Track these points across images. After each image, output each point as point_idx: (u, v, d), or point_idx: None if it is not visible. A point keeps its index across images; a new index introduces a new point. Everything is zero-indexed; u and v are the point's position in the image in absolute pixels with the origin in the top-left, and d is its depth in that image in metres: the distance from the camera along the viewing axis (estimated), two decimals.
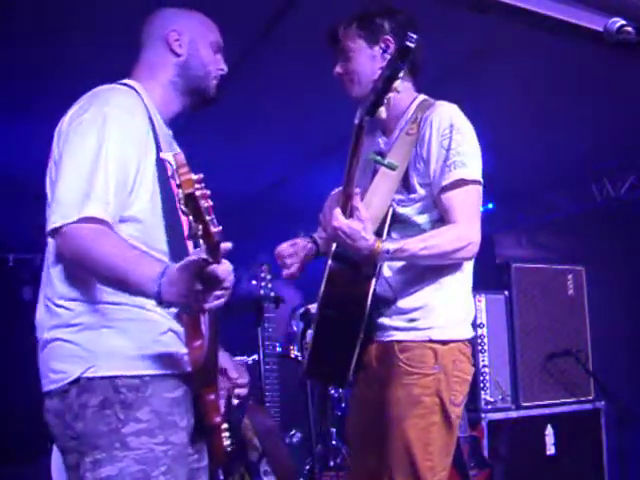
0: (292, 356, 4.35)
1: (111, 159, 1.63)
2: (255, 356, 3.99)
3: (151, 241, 1.70)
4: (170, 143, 1.87)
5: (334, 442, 4.41)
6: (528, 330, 4.56)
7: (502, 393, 4.38)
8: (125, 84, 1.82)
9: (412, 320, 2.14)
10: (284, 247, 2.41)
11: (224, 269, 1.45)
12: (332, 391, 4.57)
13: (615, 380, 4.80)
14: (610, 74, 3.62)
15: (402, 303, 2.16)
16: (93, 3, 2.89)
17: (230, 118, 3.88)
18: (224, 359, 1.91)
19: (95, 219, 1.57)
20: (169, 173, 1.36)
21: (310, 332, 2.36)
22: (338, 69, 2.25)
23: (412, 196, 2.14)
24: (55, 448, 2.54)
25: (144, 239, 1.69)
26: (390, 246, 2.00)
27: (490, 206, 6.04)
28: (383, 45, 2.19)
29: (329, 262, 2.10)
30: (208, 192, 1.34)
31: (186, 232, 1.77)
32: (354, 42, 2.21)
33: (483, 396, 4.28)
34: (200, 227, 1.34)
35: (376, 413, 2.14)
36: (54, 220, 1.59)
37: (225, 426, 1.77)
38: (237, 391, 1.94)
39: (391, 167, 2.01)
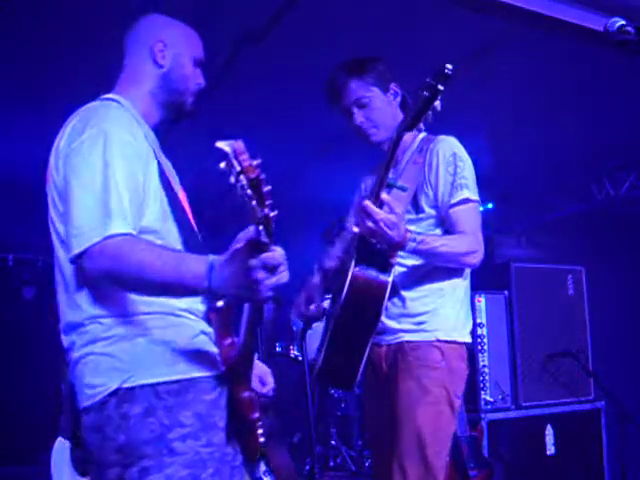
0: (292, 356, 4.36)
1: (119, 175, 1.61)
2: (255, 356, 3.99)
3: (166, 243, 1.70)
4: (161, 152, 1.86)
5: (334, 442, 4.42)
6: (528, 330, 4.56)
7: (502, 393, 4.38)
8: (111, 99, 1.80)
9: (420, 323, 2.35)
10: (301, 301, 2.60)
11: (280, 254, 1.43)
12: (332, 391, 4.58)
13: (615, 380, 4.80)
14: (610, 74, 3.62)
15: (409, 308, 2.36)
16: (93, 5, 2.89)
17: (230, 117, 3.88)
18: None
19: (120, 235, 1.55)
20: (222, 164, 1.35)
21: (310, 333, 2.42)
22: (359, 119, 2.40)
23: (420, 215, 2.38)
24: (55, 448, 2.53)
25: (160, 243, 1.68)
26: (417, 236, 2.21)
27: (490, 206, 6.03)
28: (392, 91, 2.44)
29: (352, 267, 2.21)
30: (265, 177, 1.35)
31: (198, 235, 1.79)
32: (369, 91, 2.40)
33: (483, 396, 4.28)
34: (264, 212, 1.35)
35: (390, 411, 2.31)
36: (78, 245, 1.55)
37: (261, 422, 1.77)
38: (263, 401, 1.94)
39: (402, 189, 2.29)
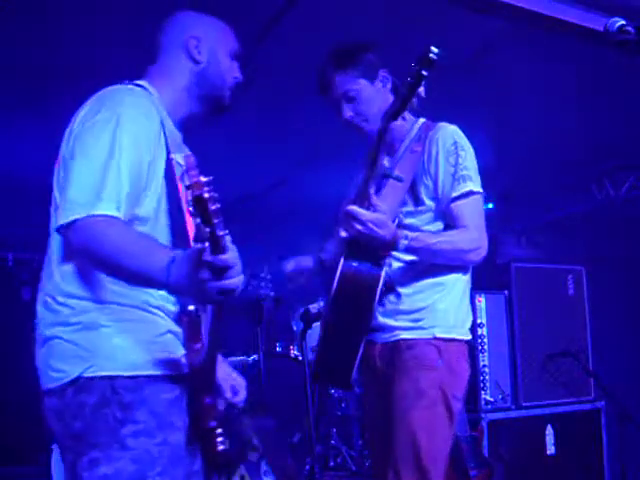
0: (292, 356, 4.36)
1: (124, 159, 1.62)
2: (255, 356, 4.00)
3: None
4: (179, 146, 1.86)
5: (334, 442, 4.42)
6: (528, 330, 4.56)
7: (502, 393, 4.38)
8: (138, 84, 1.81)
9: (417, 320, 2.27)
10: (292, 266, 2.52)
11: (230, 255, 1.40)
12: (332, 391, 4.57)
13: (615, 380, 4.80)
14: (610, 74, 3.62)
15: (406, 305, 2.28)
16: (94, 5, 2.89)
17: (230, 117, 3.88)
18: (222, 372, 1.86)
19: (106, 216, 1.57)
20: (177, 174, 1.36)
21: (309, 333, 2.42)
22: (348, 113, 2.34)
23: (420, 208, 2.30)
24: (56, 449, 2.54)
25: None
26: (408, 234, 2.16)
27: (490, 206, 6.03)
28: (381, 78, 2.35)
29: (341, 263, 2.17)
30: (216, 195, 1.33)
31: (191, 234, 1.78)
32: (356, 84, 2.32)
33: (483, 396, 4.28)
34: (207, 230, 1.34)
35: (387, 412, 2.25)
36: (65, 216, 1.57)
37: (220, 431, 1.76)
38: (234, 399, 1.93)
39: (399, 179, 2.21)
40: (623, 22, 1.76)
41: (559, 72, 3.68)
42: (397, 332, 2.28)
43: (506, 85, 3.80)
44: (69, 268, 1.67)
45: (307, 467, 3.89)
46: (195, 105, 1.90)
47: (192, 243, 1.70)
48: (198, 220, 1.34)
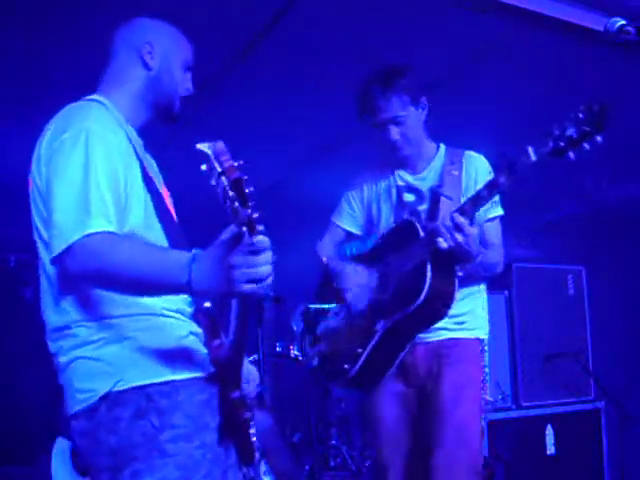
0: (292, 356, 4.36)
1: (101, 173, 1.58)
2: (255, 356, 3.99)
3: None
4: (144, 153, 1.86)
5: (334, 442, 4.42)
6: (528, 330, 4.56)
7: (502, 393, 4.38)
8: (92, 99, 1.79)
9: (461, 323, 2.54)
10: None
11: (262, 239, 1.38)
12: (332, 391, 4.57)
13: (615, 380, 4.80)
14: (610, 74, 3.62)
15: (453, 309, 2.46)
16: (91, 7, 2.89)
17: (229, 117, 3.88)
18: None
19: (100, 233, 1.53)
20: (203, 166, 1.35)
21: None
22: (396, 137, 2.51)
23: None
24: (55, 449, 2.54)
25: None
26: (481, 249, 2.41)
27: None
28: (422, 105, 2.56)
29: (429, 271, 2.31)
30: (247, 178, 1.34)
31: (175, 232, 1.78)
32: (405, 110, 2.50)
33: (483, 396, 4.28)
34: (247, 213, 1.34)
35: (426, 404, 2.49)
36: (58, 245, 1.52)
37: (253, 422, 1.76)
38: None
39: (449, 198, 2.47)
40: (623, 22, 1.76)
41: (559, 72, 3.68)
42: (443, 332, 2.51)
43: (506, 85, 3.80)
44: (73, 296, 1.63)
45: (307, 467, 3.89)
46: (148, 112, 1.88)
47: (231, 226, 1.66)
48: (236, 204, 1.33)
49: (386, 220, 2.64)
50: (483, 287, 2.64)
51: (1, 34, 3.09)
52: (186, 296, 1.70)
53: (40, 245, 1.69)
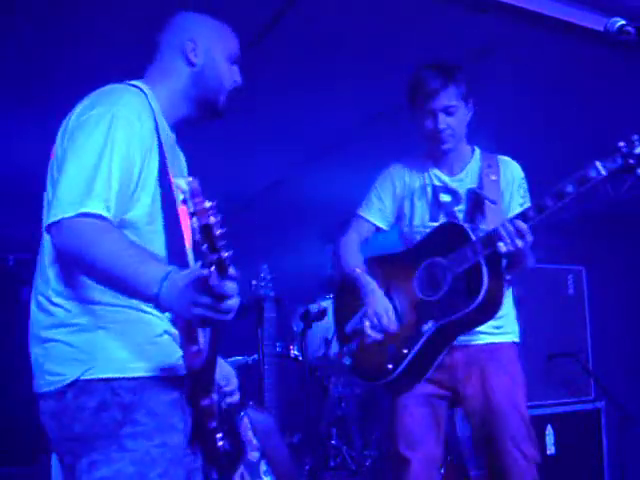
0: (292, 356, 4.36)
1: (115, 159, 1.61)
2: (255, 356, 3.99)
3: (150, 247, 1.68)
4: (173, 147, 1.86)
5: (334, 442, 4.42)
6: (528, 330, 4.54)
7: None
8: (133, 85, 1.80)
9: (499, 327, 2.57)
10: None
11: (231, 286, 1.41)
12: (332, 391, 4.57)
13: (615, 380, 4.80)
14: (610, 74, 3.62)
15: None
16: (91, 7, 2.89)
17: (229, 117, 3.88)
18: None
19: (94, 215, 1.55)
20: (180, 198, 1.36)
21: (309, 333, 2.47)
22: (443, 125, 2.51)
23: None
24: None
25: (142, 245, 1.67)
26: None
27: None
28: (470, 106, 2.58)
29: (486, 274, 2.37)
30: (220, 218, 1.35)
31: (187, 239, 1.78)
32: (458, 101, 2.52)
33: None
34: (215, 257, 1.35)
35: (477, 410, 2.54)
36: (54, 215, 1.56)
37: (219, 431, 1.76)
38: (227, 400, 1.93)
39: (493, 202, 2.53)
40: (623, 22, 1.77)
41: (559, 72, 3.68)
42: (482, 336, 2.55)
43: (506, 85, 3.80)
44: (60, 268, 1.66)
45: (307, 467, 3.89)
46: (191, 108, 1.88)
47: (190, 257, 1.70)
48: (205, 247, 1.35)
49: (420, 218, 2.63)
50: (511, 291, 2.70)
51: (1, 34, 3.09)
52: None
53: (45, 207, 1.71)
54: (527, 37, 3.27)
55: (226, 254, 1.35)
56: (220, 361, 1.88)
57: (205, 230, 1.34)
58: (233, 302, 1.42)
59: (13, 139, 4.30)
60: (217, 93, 1.90)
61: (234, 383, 1.94)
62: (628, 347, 5.71)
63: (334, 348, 4.34)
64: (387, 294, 2.54)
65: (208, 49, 1.88)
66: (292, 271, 4.78)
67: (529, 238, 2.33)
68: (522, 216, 2.36)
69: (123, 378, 1.61)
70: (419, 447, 2.53)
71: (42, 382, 1.67)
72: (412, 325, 2.47)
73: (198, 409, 1.70)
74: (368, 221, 2.72)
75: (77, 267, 1.60)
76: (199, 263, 1.41)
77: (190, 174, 1.94)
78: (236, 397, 1.95)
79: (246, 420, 2.52)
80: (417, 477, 2.51)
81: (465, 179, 2.62)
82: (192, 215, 1.35)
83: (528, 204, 2.53)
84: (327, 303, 4.38)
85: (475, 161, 2.65)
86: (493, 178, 2.58)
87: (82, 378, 1.60)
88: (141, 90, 1.79)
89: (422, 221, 2.63)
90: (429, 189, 2.63)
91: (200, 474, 1.76)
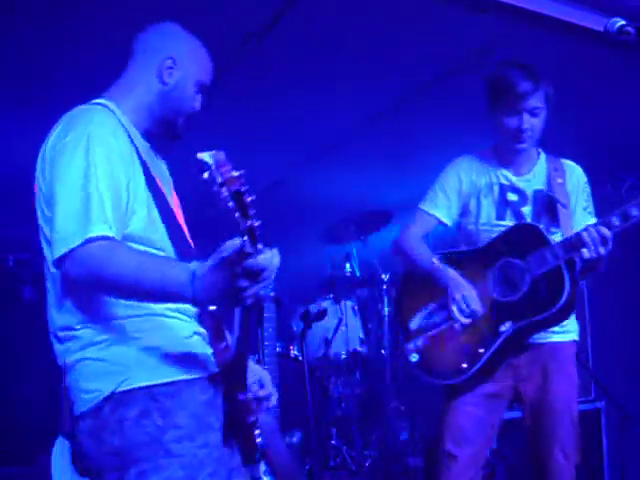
0: (292, 356, 4.36)
1: (101, 178, 1.60)
2: (255, 356, 3.99)
3: (160, 252, 1.70)
4: (149, 155, 1.85)
5: (334, 442, 4.41)
6: None
7: None
8: (98, 103, 1.78)
9: (563, 326, 2.58)
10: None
11: (265, 257, 1.41)
12: (332, 391, 4.57)
13: (615, 380, 4.80)
14: (610, 74, 3.62)
15: None
16: (91, 7, 2.89)
17: (229, 117, 3.88)
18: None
19: (101, 238, 1.55)
20: (205, 175, 1.36)
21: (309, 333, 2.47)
22: (527, 125, 2.54)
23: (554, 229, 2.61)
24: (55, 449, 2.53)
25: (153, 252, 1.68)
26: None
27: None
28: (546, 113, 2.59)
29: (567, 277, 2.43)
30: (248, 187, 1.35)
31: (189, 239, 1.78)
32: (543, 104, 2.56)
33: None
34: (247, 223, 1.35)
35: (535, 406, 2.58)
36: (59, 249, 1.55)
37: (258, 425, 1.77)
38: (264, 404, 1.91)
39: (564, 207, 2.58)
40: (623, 22, 1.77)
41: (559, 72, 3.68)
42: (549, 335, 2.56)
43: None
44: (76, 297, 1.64)
45: (307, 467, 3.89)
46: (151, 123, 1.86)
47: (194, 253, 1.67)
48: (237, 214, 1.34)
49: (487, 216, 2.64)
50: None
51: (1, 34, 3.09)
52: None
53: (44, 245, 1.70)
54: (527, 37, 3.27)
55: (257, 223, 1.36)
56: (254, 365, 1.88)
57: (237, 196, 1.33)
58: (272, 269, 1.43)
59: (13, 139, 4.30)
60: (177, 115, 1.87)
61: (269, 387, 1.90)
62: (628, 347, 5.70)
63: (334, 348, 4.35)
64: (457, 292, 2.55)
65: (184, 73, 1.84)
66: (292, 271, 4.78)
67: (610, 246, 2.39)
68: (607, 224, 2.41)
69: (160, 384, 1.60)
70: (468, 445, 2.55)
71: (79, 403, 1.64)
72: (488, 325, 2.48)
73: (236, 404, 1.70)
74: (433, 216, 2.69)
75: (98, 289, 1.60)
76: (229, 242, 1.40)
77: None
78: (273, 401, 1.91)
79: None
80: (461, 475, 2.52)
81: (532, 180, 2.66)
82: (221, 185, 1.34)
83: (591, 209, 2.63)
84: (327, 303, 4.39)
85: (541, 163, 2.69)
86: (559, 181, 2.62)
87: (118, 390, 1.59)
88: (106, 107, 1.77)
89: (489, 219, 2.64)
90: (496, 187, 2.65)
91: (240, 473, 1.76)
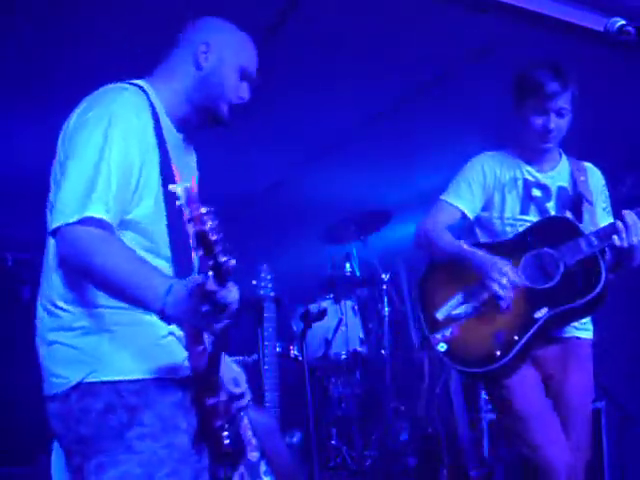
0: (292, 356, 4.36)
1: (114, 159, 1.61)
2: (255, 356, 3.99)
3: (155, 247, 1.69)
4: (178, 147, 1.84)
5: (334, 442, 4.42)
6: None
7: None
8: (134, 84, 1.80)
9: (584, 322, 2.65)
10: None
11: (231, 295, 1.42)
12: (332, 391, 4.57)
13: (615, 380, 4.80)
14: (610, 74, 3.62)
15: None
16: (94, 4, 2.89)
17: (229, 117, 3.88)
18: (224, 366, 1.85)
19: (96, 220, 1.56)
20: (177, 203, 1.37)
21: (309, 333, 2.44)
22: (553, 125, 2.58)
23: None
24: (55, 449, 2.54)
25: (147, 244, 1.68)
26: None
27: None
28: (572, 115, 2.62)
29: (603, 269, 2.47)
30: (217, 223, 1.35)
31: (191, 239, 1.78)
32: (569, 105, 2.60)
33: (483, 396, 4.28)
34: (210, 262, 1.36)
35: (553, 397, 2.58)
36: (57, 220, 1.57)
37: (226, 428, 1.77)
38: (237, 403, 1.92)
39: (590, 203, 2.64)
40: (623, 22, 1.77)
41: None
42: (572, 330, 2.61)
43: (506, 85, 3.80)
44: (63, 272, 1.66)
45: (307, 467, 3.89)
46: (189, 111, 1.86)
47: (195, 258, 1.69)
48: (201, 252, 1.36)
49: (511, 210, 2.67)
50: None
51: (1, 34, 3.09)
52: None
53: (48, 213, 1.71)
54: (527, 37, 3.28)
55: (224, 259, 1.36)
56: (229, 364, 1.89)
57: (200, 236, 1.34)
58: (231, 308, 1.44)
59: (13, 139, 4.30)
60: (217, 102, 1.87)
61: (243, 386, 1.92)
62: (629, 347, 5.71)
63: (334, 348, 4.34)
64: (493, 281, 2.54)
65: (221, 56, 1.86)
66: (292, 271, 4.78)
67: None
68: (638, 214, 2.43)
69: (127, 381, 1.62)
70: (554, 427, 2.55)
71: (48, 384, 1.67)
72: (522, 312, 2.47)
73: (204, 408, 1.70)
74: (456, 207, 2.69)
75: (79, 275, 1.62)
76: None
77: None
78: (246, 400, 1.93)
79: (246, 420, 2.52)
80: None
81: (556, 177, 2.70)
82: (189, 221, 1.35)
83: (609, 210, 2.69)
84: (327, 303, 4.39)
85: (564, 162, 2.74)
86: (582, 179, 2.68)
87: (85, 381, 1.61)
88: (141, 88, 1.78)
89: (513, 213, 2.66)
90: (520, 183, 2.68)
91: (207, 474, 1.76)
